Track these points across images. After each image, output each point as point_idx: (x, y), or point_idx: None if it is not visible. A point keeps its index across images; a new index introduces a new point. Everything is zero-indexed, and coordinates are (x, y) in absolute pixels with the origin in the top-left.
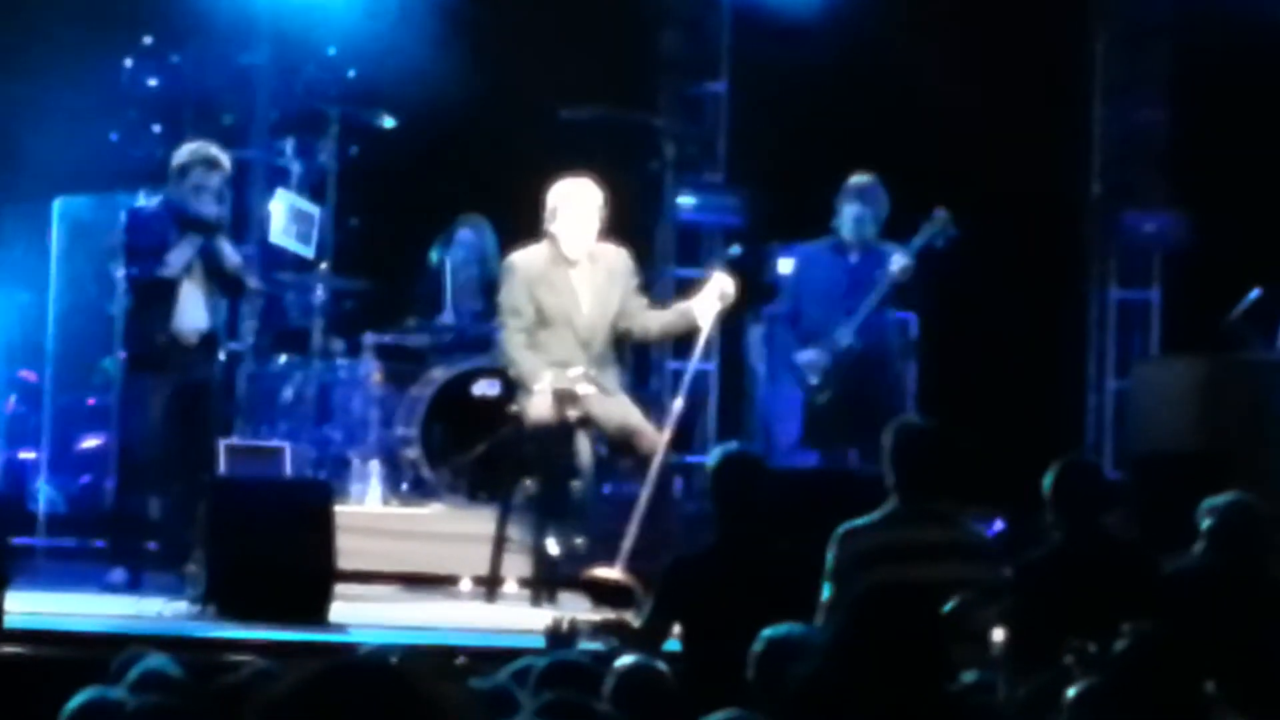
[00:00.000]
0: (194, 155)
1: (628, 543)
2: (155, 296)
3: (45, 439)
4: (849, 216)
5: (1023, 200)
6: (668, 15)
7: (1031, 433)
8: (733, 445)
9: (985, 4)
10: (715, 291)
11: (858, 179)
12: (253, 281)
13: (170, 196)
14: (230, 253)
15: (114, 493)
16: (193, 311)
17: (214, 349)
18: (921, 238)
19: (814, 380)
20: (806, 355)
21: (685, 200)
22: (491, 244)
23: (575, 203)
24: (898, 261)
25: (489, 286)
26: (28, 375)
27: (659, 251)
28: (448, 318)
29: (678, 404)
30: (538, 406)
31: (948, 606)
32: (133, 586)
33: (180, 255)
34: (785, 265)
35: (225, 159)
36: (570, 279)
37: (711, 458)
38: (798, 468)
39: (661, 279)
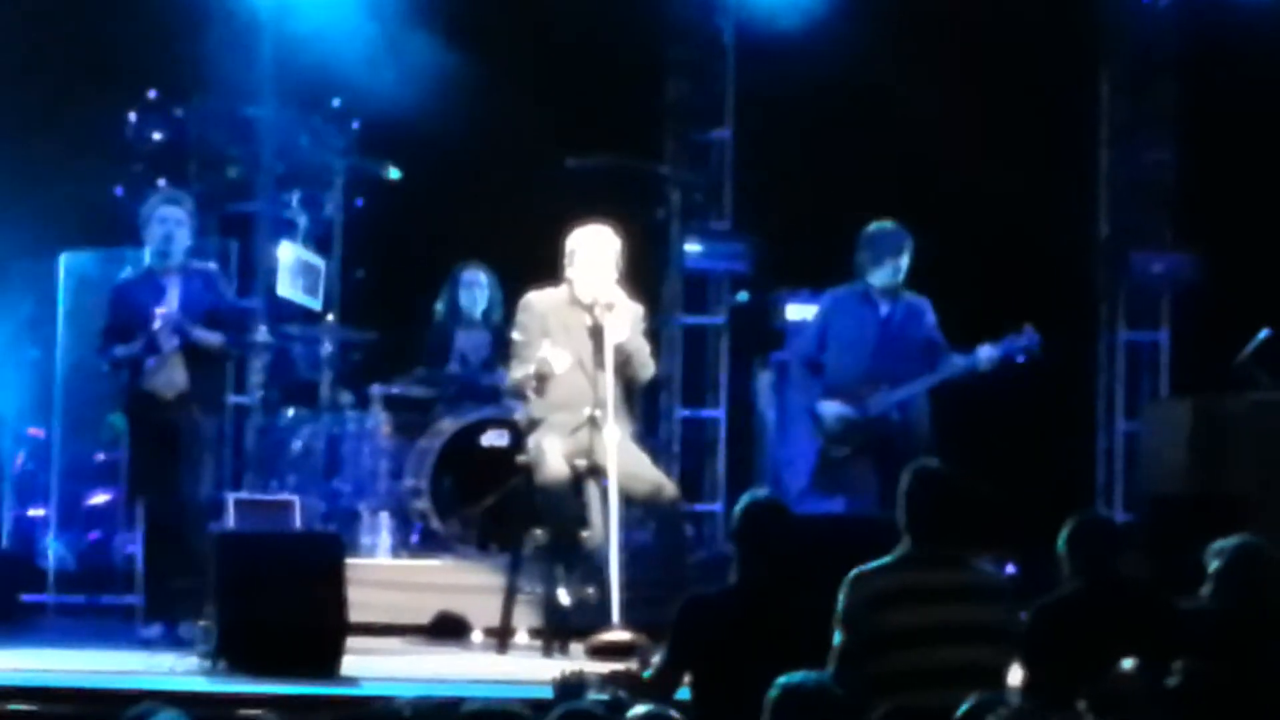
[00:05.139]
0: (152, 201)
1: (616, 595)
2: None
3: (54, 496)
4: (893, 269)
5: (1031, 242)
6: (673, 63)
7: (1042, 475)
8: (759, 491)
9: (991, 47)
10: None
11: (894, 229)
12: (262, 335)
13: (154, 263)
14: (204, 336)
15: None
16: (169, 374)
17: (191, 403)
18: (1005, 348)
19: (833, 432)
20: (831, 408)
21: (692, 248)
22: (495, 290)
23: (592, 248)
24: (976, 362)
25: (495, 334)
26: (36, 432)
27: (666, 299)
28: (455, 368)
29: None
30: (547, 458)
31: (964, 708)
32: (169, 641)
33: (128, 351)
34: (802, 311)
35: (184, 197)
36: (585, 324)
37: (738, 503)
38: (820, 514)
39: (669, 327)
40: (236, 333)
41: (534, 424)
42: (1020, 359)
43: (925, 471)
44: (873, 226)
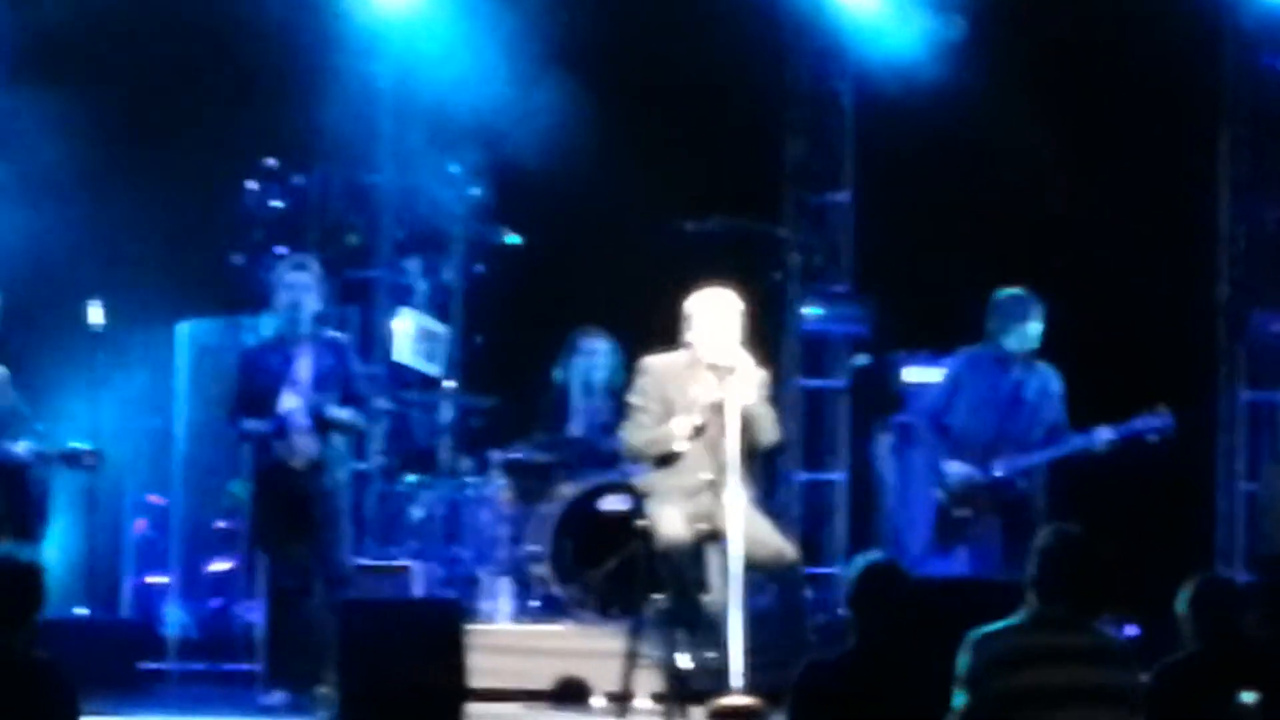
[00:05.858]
0: (280, 267)
1: (738, 660)
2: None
3: (174, 563)
4: (1023, 334)
5: (1150, 302)
6: (791, 125)
7: (1162, 536)
8: (873, 554)
9: (1111, 106)
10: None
11: (1023, 295)
12: (382, 401)
13: (283, 330)
14: (339, 416)
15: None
16: (301, 444)
17: (324, 469)
18: (1137, 426)
19: (957, 492)
20: (958, 469)
21: (811, 310)
22: (615, 356)
23: (713, 311)
24: (1104, 438)
25: (615, 400)
26: (155, 499)
27: (785, 362)
28: (575, 433)
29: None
30: (668, 522)
31: None
32: (290, 708)
33: (259, 428)
34: (922, 373)
35: (312, 262)
36: (706, 387)
37: (852, 566)
38: (938, 576)
39: (788, 390)
40: (368, 406)
41: (662, 461)
42: (1152, 439)
43: (1067, 533)
44: (1002, 293)
